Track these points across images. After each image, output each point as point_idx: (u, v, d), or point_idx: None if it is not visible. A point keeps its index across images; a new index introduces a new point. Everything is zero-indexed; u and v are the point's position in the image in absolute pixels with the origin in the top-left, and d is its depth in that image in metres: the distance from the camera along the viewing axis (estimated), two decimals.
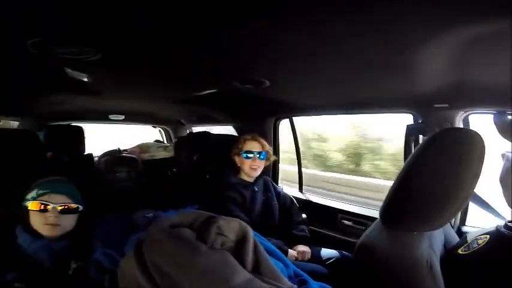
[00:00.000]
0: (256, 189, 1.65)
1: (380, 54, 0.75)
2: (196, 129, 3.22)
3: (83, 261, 1.05)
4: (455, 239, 0.88)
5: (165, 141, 3.39)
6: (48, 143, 2.08)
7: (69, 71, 1.15)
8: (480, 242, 0.72)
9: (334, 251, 1.55)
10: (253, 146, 1.66)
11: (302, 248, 1.52)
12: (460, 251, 0.75)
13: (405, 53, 0.73)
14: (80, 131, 2.33)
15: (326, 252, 1.55)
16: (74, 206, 1.06)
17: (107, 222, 1.18)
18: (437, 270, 0.68)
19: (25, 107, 1.93)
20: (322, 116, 1.86)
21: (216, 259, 0.58)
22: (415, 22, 0.59)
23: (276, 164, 2.05)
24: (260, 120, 1.98)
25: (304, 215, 1.73)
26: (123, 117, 2.72)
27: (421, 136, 1.14)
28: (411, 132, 1.15)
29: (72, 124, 2.59)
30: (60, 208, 1.02)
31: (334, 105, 1.57)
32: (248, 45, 0.75)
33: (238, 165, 1.66)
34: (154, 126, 3.52)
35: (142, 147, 2.57)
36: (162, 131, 3.61)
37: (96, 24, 0.66)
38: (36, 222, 1.01)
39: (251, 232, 0.68)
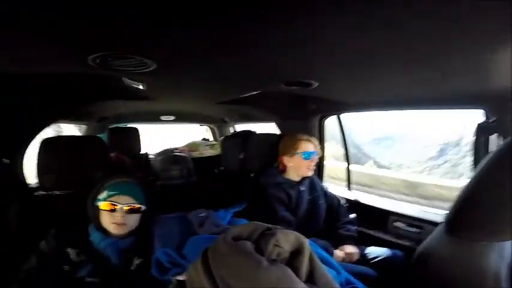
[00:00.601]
0: (302, 188, 1.63)
1: (453, 52, 0.67)
2: (239, 126, 3.31)
3: (144, 257, 1.14)
4: None
5: (211, 139, 3.57)
6: (110, 144, 2.36)
7: (126, 80, 1.28)
8: None
9: (382, 249, 1.49)
10: (310, 146, 1.63)
11: (349, 249, 1.47)
12: None
13: (481, 48, 0.64)
14: (136, 131, 2.59)
15: (372, 250, 1.50)
16: (138, 206, 1.15)
17: (164, 222, 1.27)
18: (505, 283, 0.62)
19: (89, 113, 2.18)
20: (374, 111, 1.74)
21: (276, 273, 0.59)
22: (493, 16, 0.51)
23: (321, 162, 2.00)
24: (305, 118, 1.94)
25: (352, 215, 1.67)
26: (173, 117, 2.93)
27: (492, 136, 0.99)
28: (482, 132, 1.01)
29: (129, 126, 2.90)
30: (126, 208, 1.11)
31: (393, 101, 1.46)
32: (302, 48, 0.73)
33: (288, 164, 1.65)
34: (201, 125, 3.72)
35: (192, 146, 2.74)
36: (208, 129, 3.79)
37: (154, 39, 0.71)
38: (106, 221, 1.11)
39: (307, 244, 0.69)
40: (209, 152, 2.71)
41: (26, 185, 1.35)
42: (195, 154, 2.65)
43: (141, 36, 0.66)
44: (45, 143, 1.30)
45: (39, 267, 1.05)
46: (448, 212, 0.71)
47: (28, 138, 1.44)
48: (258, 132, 2.34)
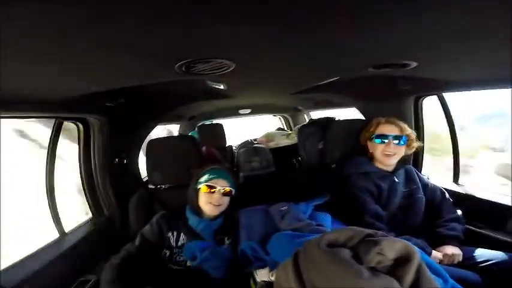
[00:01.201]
0: (396, 180, 1.44)
1: None
2: (314, 114, 3.18)
3: (233, 238, 1.26)
4: None
5: (286, 129, 3.56)
6: (200, 139, 2.65)
7: (208, 83, 1.37)
8: None
9: (495, 252, 1.21)
10: (389, 129, 1.43)
11: (451, 250, 1.25)
12: None
13: None
14: (221, 126, 2.82)
15: (482, 253, 1.24)
16: (230, 189, 1.27)
17: (249, 214, 1.33)
18: None
19: (180, 114, 2.46)
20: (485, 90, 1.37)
21: (379, 285, 0.54)
22: None
23: (419, 151, 1.72)
24: (395, 100, 1.68)
25: (459, 212, 1.40)
26: (249, 110, 3.05)
27: None
28: None
29: (214, 122, 3.18)
30: (222, 191, 1.24)
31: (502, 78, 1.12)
32: (403, 27, 0.62)
33: (371, 151, 1.49)
34: (274, 115, 3.75)
35: (269, 137, 2.79)
36: (281, 118, 3.80)
37: (233, 40, 0.72)
38: (203, 201, 1.25)
39: (417, 253, 0.59)
40: (285, 142, 2.70)
41: (141, 180, 1.65)
42: (272, 144, 2.69)
43: (221, 38, 0.68)
44: (151, 144, 1.55)
45: (139, 250, 1.22)
46: None
47: (139, 140, 1.74)
48: (338, 119, 2.20)
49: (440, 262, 1.22)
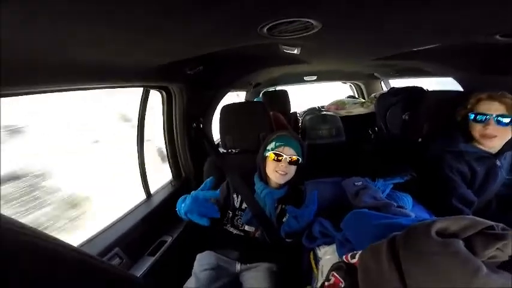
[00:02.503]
0: (498, 163, 1.20)
1: None
2: (394, 82, 2.78)
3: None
4: None
5: (357, 97, 3.24)
6: (266, 103, 2.62)
7: (282, 47, 1.27)
8: None
9: None
10: (489, 107, 1.17)
11: None
12: None
13: None
14: (286, 93, 2.74)
15: None
16: (297, 157, 1.24)
17: (316, 186, 1.25)
18: None
19: (249, 80, 2.44)
20: None
21: (499, 284, 0.45)
22: None
23: None
24: (507, 70, 1.31)
25: None
26: (315, 77, 2.86)
27: None
28: None
29: (279, 88, 3.10)
30: (289, 159, 1.22)
31: None
32: None
33: (469, 130, 1.24)
34: (344, 82, 3.43)
35: (339, 104, 2.58)
36: (352, 86, 3.46)
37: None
38: (271, 169, 1.25)
39: None
40: (359, 111, 2.46)
41: (213, 144, 1.74)
42: (343, 112, 2.49)
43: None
44: (224, 109, 1.59)
45: (218, 207, 1.26)
46: None
47: (214, 105, 1.81)
48: (427, 89, 1.86)
49: None
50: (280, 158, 1.23)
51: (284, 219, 1.25)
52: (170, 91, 1.55)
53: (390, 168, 1.37)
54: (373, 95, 2.61)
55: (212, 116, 1.84)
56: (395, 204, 1.09)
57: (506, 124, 1.14)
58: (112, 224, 1.24)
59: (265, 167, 1.29)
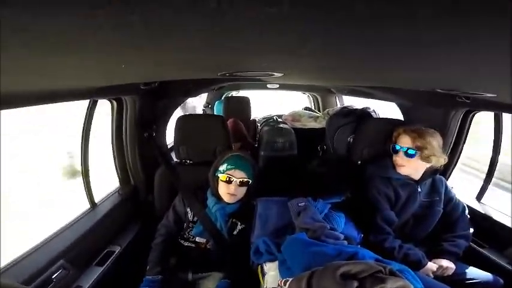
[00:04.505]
0: (419, 190, 1.42)
1: None
2: (348, 99, 3.01)
3: (246, 224, 1.33)
4: None
5: (313, 108, 3.43)
6: (226, 111, 2.64)
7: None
8: None
9: (482, 272, 1.30)
10: (403, 141, 1.39)
11: (444, 263, 1.32)
12: None
13: None
14: (248, 100, 2.78)
15: (471, 271, 1.32)
16: (247, 180, 1.31)
17: (266, 204, 1.37)
18: None
19: (209, 86, 2.43)
20: None
21: None
22: None
23: (451, 164, 1.64)
24: (443, 107, 1.54)
25: (471, 230, 1.41)
26: (277, 86, 2.95)
27: None
28: None
29: (241, 95, 3.13)
30: (239, 182, 1.28)
31: None
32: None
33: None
34: (303, 93, 3.60)
35: (295, 116, 2.71)
36: (310, 97, 3.65)
37: (281, 57, 0.67)
38: (222, 190, 1.31)
39: None
40: (312, 125, 2.62)
41: (166, 153, 1.71)
42: (297, 125, 2.62)
43: (268, 55, 0.63)
44: (180, 120, 1.57)
45: (172, 223, 1.36)
46: None
47: (168, 114, 1.77)
48: (374, 110, 2.07)
49: (433, 273, 1.31)
50: (231, 180, 1.28)
51: (235, 232, 1.33)
52: (121, 100, 1.49)
53: (331, 187, 1.53)
54: (326, 110, 2.80)
55: (166, 124, 1.80)
56: (328, 226, 1.26)
57: (412, 156, 1.37)
58: (54, 236, 1.19)
59: (216, 186, 1.33)
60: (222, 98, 2.90)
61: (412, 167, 1.40)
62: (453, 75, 0.71)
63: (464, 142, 1.60)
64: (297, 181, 1.64)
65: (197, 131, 1.56)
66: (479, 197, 1.65)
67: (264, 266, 1.20)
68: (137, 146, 1.59)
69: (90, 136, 1.37)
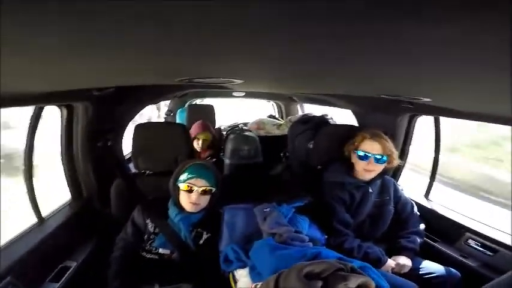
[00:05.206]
0: (370, 190, 1.52)
1: None
2: (309, 107, 3.16)
3: (212, 233, 1.31)
4: None
5: (277, 116, 3.54)
6: (189, 119, 2.59)
7: None
8: None
9: (438, 266, 1.40)
10: (372, 147, 1.46)
11: (402, 260, 1.40)
12: None
13: None
14: (212, 108, 2.77)
15: (428, 265, 1.41)
16: (210, 188, 1.28)
17: (232, 212, 1.37)
18: None
19: (171, 94, 2.37)
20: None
21: None
22: None
23: (400, 167, 1.79)
24: (391, 112, 1.69)
25: (422, 226, 1.53)
26: (243, 94, 2.99)
27: None
28: None
29: (205, 103, 3.11)
30: (201, 190, 1.26)
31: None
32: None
33: (352, 161, 1.53)
34: (268, 101, 3.71)
35: (260, 124, 2.77)
36: (275, 104, 3.76)
37: (243, 64, 0.68)
38: (183, 199, 1.27)
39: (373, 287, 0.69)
40: (275, 132, 2.70)
41: (124, 164, 1.62)
42: (262, 132, 2.68)
43: (229, 63, 0.64)
44: (138, 128, 1.50)
45: (132, 235, 1.29)
46: None
47: (125, 122, 1.68)
48: (331, 117, 2.20)
49: (392, 269, 1.38)
50: (192, 189, 1.25)
51: (201, 242, 1.29)
52: (72, 107, 1.38)
53: (294, 192, 1.58)
54: (288, 118, 2.91)
55: (123, 132, 1.71)
56: (293, 230, 1.30)
57: (384, 162, 1.46)
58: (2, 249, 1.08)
59: (177, 195, 1.29)
60: (185, 106, 2.83)
61: (378, 171, 1.49)
62: (394, 82, 0.80)
63: (410, 144, 1.77)
64: (262, 187, 1.67)
65: (157, 139, 1.51)
66: (427, 195, 1.81)
67: (235, 273, 1.20)
68: (90, 156, 1.48)
69: (36, 148, 1.24)
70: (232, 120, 3.07)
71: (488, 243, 1.39)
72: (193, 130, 2.22)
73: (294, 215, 1.43)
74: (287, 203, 1.45)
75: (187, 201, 1.26)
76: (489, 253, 1.38)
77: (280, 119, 3.21)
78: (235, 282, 1.18)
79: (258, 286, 0.83)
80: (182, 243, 1.27)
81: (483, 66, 0.49)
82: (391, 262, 1.39)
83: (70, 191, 1.53)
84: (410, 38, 0.37)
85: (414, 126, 1.73)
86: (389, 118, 1.70)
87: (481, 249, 1.41)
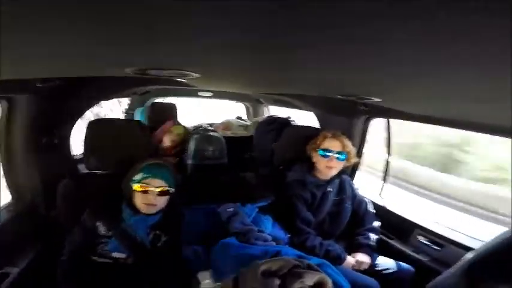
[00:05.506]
0: (329, 189, 1.58)
1: None
2: (275, 109, 3.22)
3: (171, 235, 1.24)
4: None
5: (246, 117, 3.54)
6: (150, 118, 2.46)
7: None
8: None
9: (393, 261, 1.48)
10: (333, 144, 1.53)
11: (361, 257, 1.46)
12: None
13: None
14: (175, 107, 2.66)
15: (384, 261, 1.49)
16: (167, 189, 1.22)
17: (193, 213, 1.34)
18: None
19: (133, 91, 2.25)
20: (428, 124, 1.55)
21: None
22: None
23: (356, 165, 1.89)
24: (348, 114, 1.79)
25: (377, 223, 1.61)
26: (211, 94, 2.94)
27: None
28: None
29: (168, 102, 2.98)
30: (157, 191, 1.19)
31: (447, 118, 1.28)
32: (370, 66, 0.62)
33: (314, 161, 1.59)
34: (236, 102, 3.69)
35: (226, 125, 2.74)
36: (245, 106, 3.76)
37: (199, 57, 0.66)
38: (138, 201, 1.20)
39: (330, 284, 0.71)
40: (242, 133, 2.69)
41: (73, 163, 1.48)
42: (228, 133, 2.66)
43: (184, 53, 0.61)
44: (91, 125, 1.38)
45: (81, 239, 1.18)
46: (478, 252, 0.65)
47: (75, 118, 1.54)
48: (293, 119, 2.25)
49: (352, 266, 1.43)
50: (148, 190, 1.18)
51: (159, 244, 1.22)
52: (12, 100, 1.22)
53: (257, 192, 1.59)
54: (255, 119, 2.93)
55: (71, 129, 1.56)
56: (256, 229, 1.30)
57: (343, 159, 1.53)
58: None
59: (132, 197, 1.22)
60: (145, 106, 2.69)
61: (339, 169, 1.55)
62: (347, 83, 0.84)
63: (364, 145, 1.88)
64: (226, 188, 1.65)
65: (112, 137, 1.40)
66: (380, 194, 1.93)
67: (198, 275, 1.17)
68: (33, 154, 1.33)
69: None
70: (198, 122, 3.00)
71: (436, 239, 1.50)
72: (166, 125, 2.12)
73: (257, 215, 1.44)
74: (251, 203, 1.46)
75: (142, 202, 1.19)
76: (437, 248, 1.48)
77: (248, 121, 3.21)
78: (198, 284, 1.15)
79: (205, 281, 0.81)
80: (138, 246, 1.19)
81: (431, 68, 0.53)
82: (351, 259, 1.44)
83: (10, 191, 1.37)
84: (361, 38, 0.38)
85: (368, 127, 1.84)
86: (346, 120, 1.80)
87: (430, 244, 1.51)
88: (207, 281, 1.14)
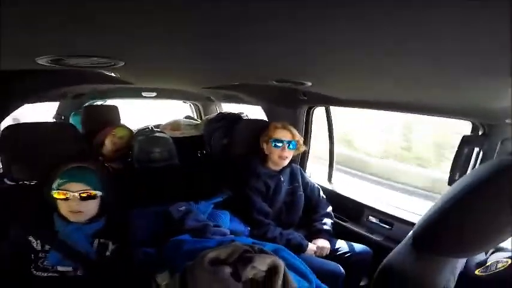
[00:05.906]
0: (282, 178, 1.63)
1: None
2: (226, 106, 3.21)
3: (120, 242, 1.16)
4: (477, 258, 0.81)
5: (196, 116, 3.45)
6: (85, 124, 2.19)
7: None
8: (500, 265, 0.68)
9: (352, 244, 1.55)
10: (284, 134, 1.59)
11: (322, 243, 1.51)
12: (477, 272, 0.72)
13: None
14: (116, 109, 2.42)
15: (343, 245, 1.55)
16: (93, 192, 1.11)
17: (140, 215, 1.27)
18: None
19: (63, 92, 2.00)
20: (365, 109, 1.70)
21: None
22: None
23: (305, 153, 1.99)
24: (292, 106, 1.87)
25: (330, 208, 1.70)
26: (155, 94, 2.77)
27: (476, 149, 0.99)
28: (467, 145, 1.01)
29: (107, 103, 2.72)
30: (78, 196, 1.08)
31: (383, 103, 1.42)
32: (298, 49, 0.65)
33: (266, 153, 1.63)
34: (184, 102, 3.56)
35: (174, 125, 2.61)
36: (192, 105, 3.65)
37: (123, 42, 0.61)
38: (63, 209, 1.09)
39: (282, 266, 0.70)
40: (192, 132, 2.60)
41: None
42: (177, 134, 2.54)
43: (105, 37, 0.56)
44: (9, 130, 1.19)
45: (8, 257, 1.04)
46: (417, 226, 0.70)
47: None
48: (246, 114, 2.28)
49: (314, 253, 1.48)
50: (68, 195, 1.08)
51: (107, 253, 1.12)
52: None
53: (212, 188, 1.56)
54: (206, 117, 2.87)
55: None
56: (212, 224, 1.27)
57: (294, 148, 1.60)
58: None
59: (57, 206, 1.11)
60: (81, 109, 2.38)
61: (290, 158, 1.61)
62: (280, 68, 0.88)
63: (310, 134, 2.00)
64: (177, 188, 1.59)
65: (37, 144, 1.23)
66: (329, 179, 2.04)
67: (157, 278, 1.08)
68: None
69: None
70: (144, 124, 2.81)
71: (386, 218, 1.62)
72: (107, 128, 1.92)
73: (213, 211, 1.41)
74: (205, 200, 1.43)
75: (66, 210, 1.08)
76: (387, 227, 1.60)
77: (198, 120, 3.13)
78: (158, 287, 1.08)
79: (164, 283, 0.76)
80: (83, 257, 1.09)
81: (348, 48, 0.57)
82: (312, 246, 1.48)
83: None
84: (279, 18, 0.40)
85: (312, 116, 1.96)
86: (291, 111, 1.89)
87: (381, 224, 1.63)
88: (166, 282, 1.07)
